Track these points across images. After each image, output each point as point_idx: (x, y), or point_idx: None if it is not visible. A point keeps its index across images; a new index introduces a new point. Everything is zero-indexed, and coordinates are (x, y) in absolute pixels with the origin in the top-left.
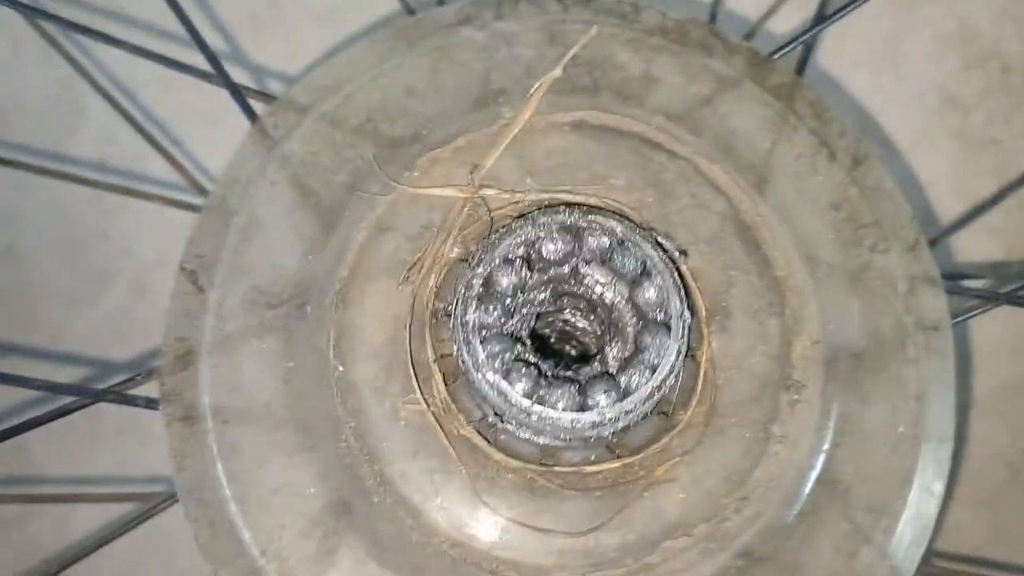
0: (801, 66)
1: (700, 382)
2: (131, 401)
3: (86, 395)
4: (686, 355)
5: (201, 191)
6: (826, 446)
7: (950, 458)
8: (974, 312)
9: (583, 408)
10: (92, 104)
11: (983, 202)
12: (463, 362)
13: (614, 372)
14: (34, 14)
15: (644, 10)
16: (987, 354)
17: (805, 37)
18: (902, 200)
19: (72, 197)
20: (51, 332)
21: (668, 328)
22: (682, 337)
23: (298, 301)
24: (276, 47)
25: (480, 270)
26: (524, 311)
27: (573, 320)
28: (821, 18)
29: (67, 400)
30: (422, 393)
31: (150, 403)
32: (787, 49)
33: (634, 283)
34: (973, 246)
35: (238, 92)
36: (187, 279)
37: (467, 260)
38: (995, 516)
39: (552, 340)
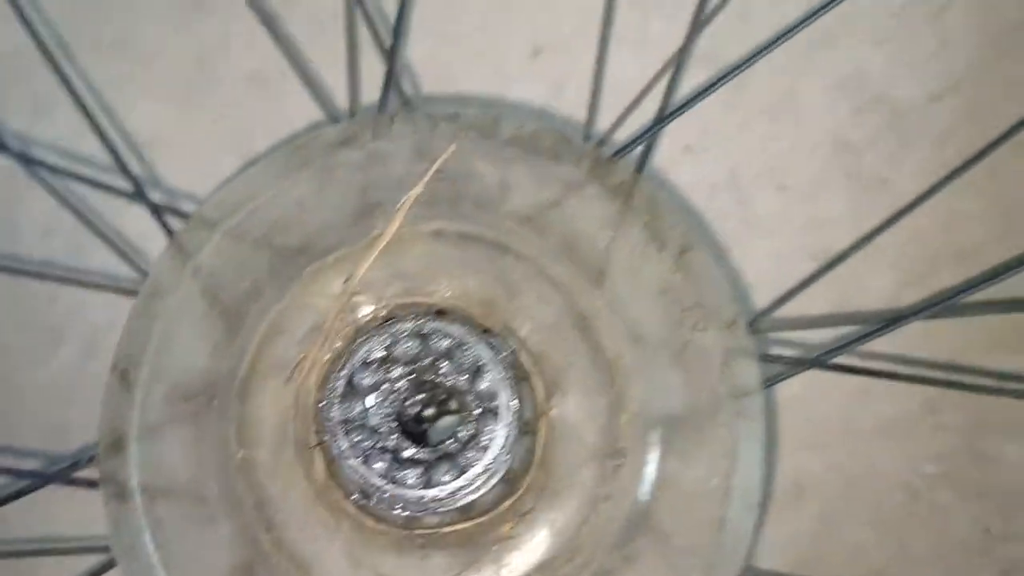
0: (641, 163)
1: (537, 453)
2: (76, 483)
3: (37, 479)
4: (524, 431)
5: (145, 274)
6: (647, 500)
7: (758, 504)
8: (782, 376)
9: (428, 485)
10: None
11: (798, 284)
12: (332, 450)
13: (456, 453)
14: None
15: (503, 122)
16: (881, 385)
17: (645, 137)
18: (724, 283)
19: (19, 261)
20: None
21: (497, 415)
22: (509, 423)
23: (208, 396)
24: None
25: (342, 372)
26: (388, 400)
27: (439, 410)
28: (660, 118)
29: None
30: (305, 472)
31: (91, 484)
32: (627, 150)
33: (473, 376)
34: (869, 285)
35: (158, 212)
36: (118, 378)
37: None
38: (898, 537)
39: (421, 427)
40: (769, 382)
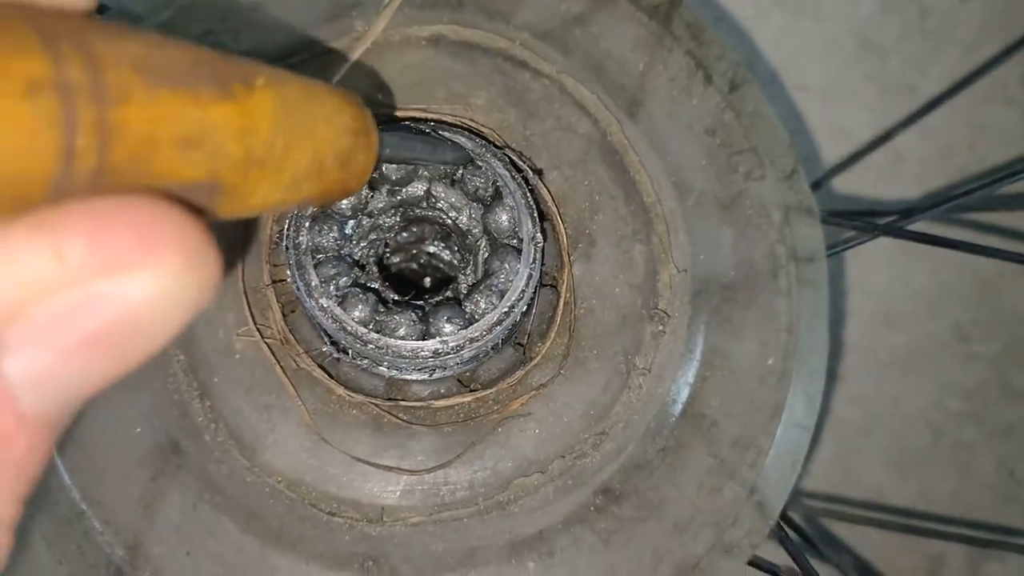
0: None
1: (559, 312)
2: None
3: None
4: (543, 283)
5: None
6: (691, 379)
7: (821, 392)
8: (851, 243)
9: (425, 336)
10: None
11: (864, 145)
12: (296, 287)
13: (461, 298)
14: None
15: None
16: (908, 308)
17: None
18: (780, 127)
19: None
20: None
21: (519, 252)
22: (533, 261)
23: None
24: None
25: None
26: (371, 237)
27: (436, 251)
28: None
29: None
30: (257, 323)
31: None
32: None
33: (486, 205)
34: (890, 191)
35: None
36: None
37: None
38: (920, 480)
39: (411, 272)
40: (837, 247)
